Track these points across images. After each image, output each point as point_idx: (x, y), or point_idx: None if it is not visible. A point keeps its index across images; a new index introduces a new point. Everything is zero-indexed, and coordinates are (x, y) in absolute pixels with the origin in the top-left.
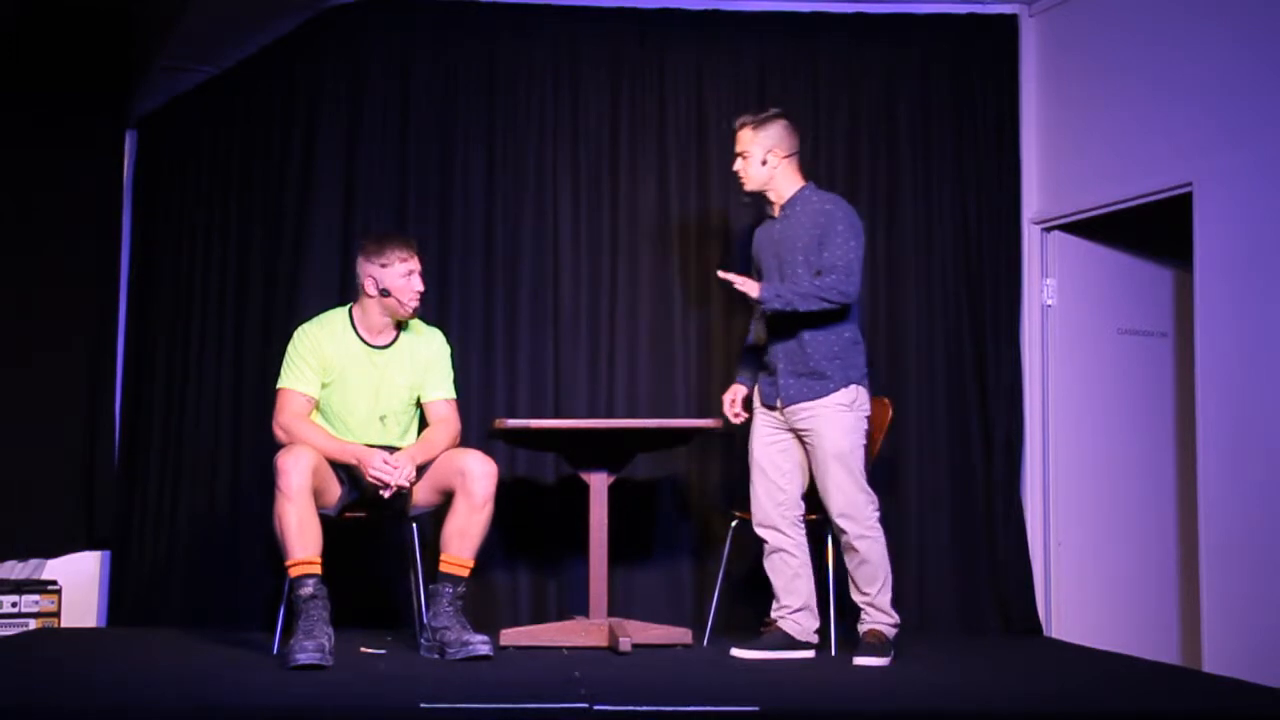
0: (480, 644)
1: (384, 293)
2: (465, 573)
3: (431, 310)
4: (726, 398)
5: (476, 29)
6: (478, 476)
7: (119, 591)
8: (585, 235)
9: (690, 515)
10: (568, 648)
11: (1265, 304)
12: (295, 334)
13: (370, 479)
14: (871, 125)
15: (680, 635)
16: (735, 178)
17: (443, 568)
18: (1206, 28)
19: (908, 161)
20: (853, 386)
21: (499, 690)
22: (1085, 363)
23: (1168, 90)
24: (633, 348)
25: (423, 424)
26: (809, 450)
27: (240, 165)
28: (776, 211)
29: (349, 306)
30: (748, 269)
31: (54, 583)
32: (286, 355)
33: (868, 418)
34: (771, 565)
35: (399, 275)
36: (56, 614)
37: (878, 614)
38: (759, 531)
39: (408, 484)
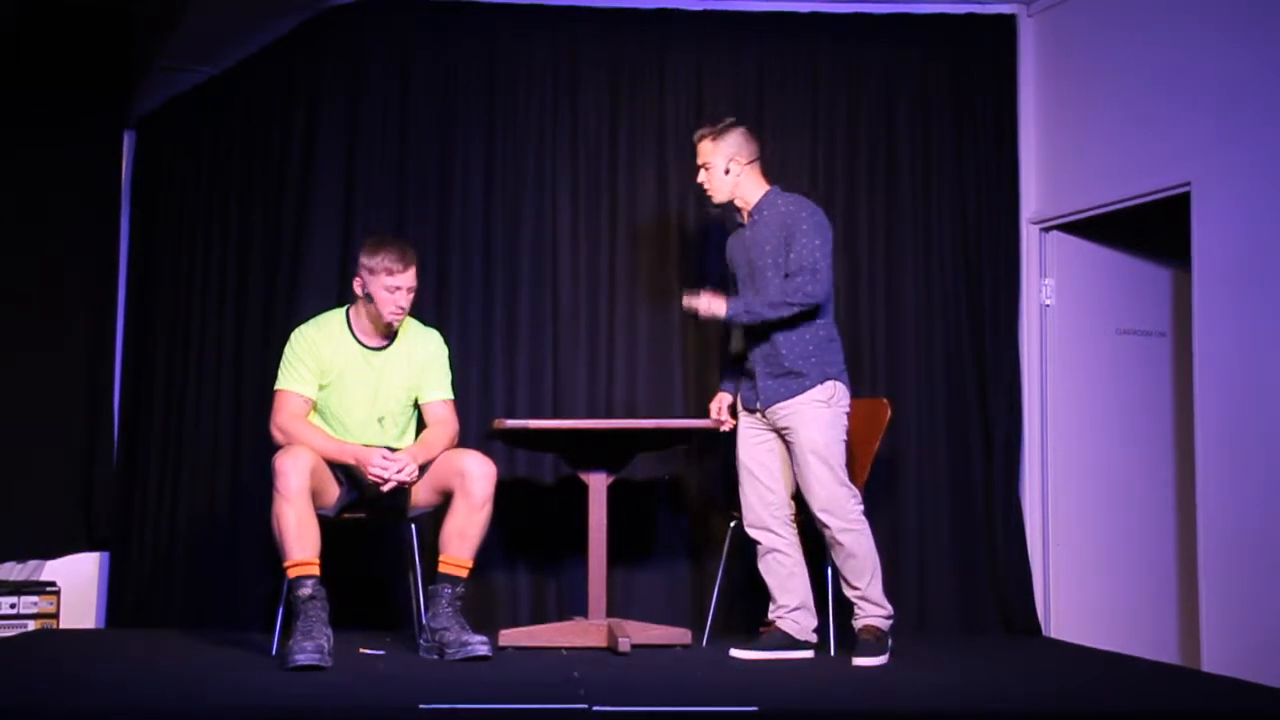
0: (479, 644)
1: (368, 297)
2: (464, 573)
3: (430, 310)
4: (712, 406)
5: (476, 29)
6: (477, 477)
7: (118, 593)
8: (584, 235)
9: (689, 515)
10: (567, 648)
11: (1264, 303)
12: (292, 335)
13: (370, 476)
14: (870, 125)
15: (679, 635)
16: (701, 190)
17: (442, 568)
18: (1205, 27)
19: (906, 161)
20: (830, 383)
21: (498, 691)
22: (1084, 362)
23: (1166, 90)
24: (632, 348)
25: (421, 425)
26: (792, 450)
27: (239, 165)
28: (745, 218)
29: (346, 308)
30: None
31: (53, 584)
32: (284, 357)
33: (847, 414)
34: (766, 566)
35: (382, 287)
36: (55, 615)
37: (870, 607)
38: (751, 533)
39: (409, 479)
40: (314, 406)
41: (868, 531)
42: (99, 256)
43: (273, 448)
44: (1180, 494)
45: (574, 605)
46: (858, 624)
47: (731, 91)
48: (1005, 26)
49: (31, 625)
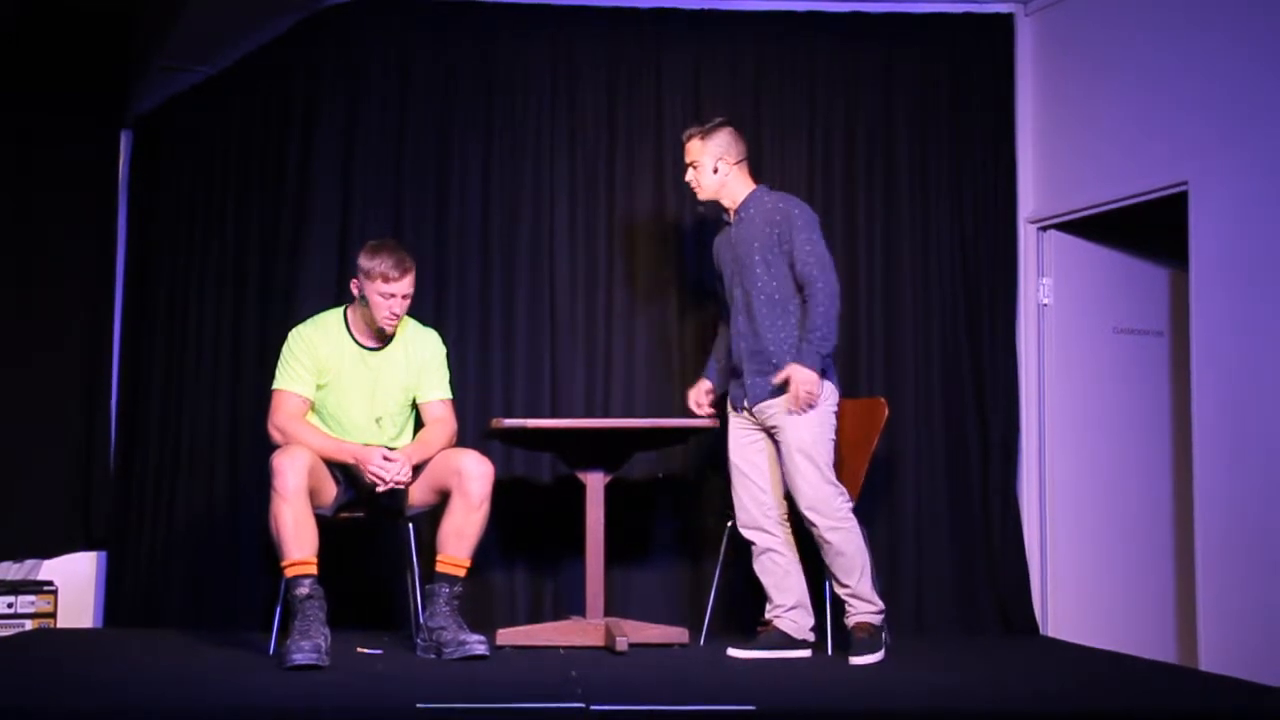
0: (477, 644)
1: (364, 300)
2: (462, 573)
3: (428, 310)
4: (691, 393)
5: (474, 28)
6: (474, 476)
7: (115, 592)
8: (582, 234)
9: (687, 515)
10: (564, 647)
11: (1261, 302)
12: (290, 335)
13: (369, 476)
14: (868, 124)
15: (677, 635)
16: (688, 188)
17: (439, 568)
18: (1203, 27)
19: (904, 160)
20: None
21: (495, 690)
22: (1082, 362)
23: (1164, 89)
24: (630, 347)
25: (419, 424)
26: (780, 449)
27: (237, 165)
28: (732, 217)
29: (344, 308)
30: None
31: (50, 583)
32: (281, 356)
33: (835, 413)
34: (761, 566)
35: (377, 292)
36: (53, 614)
37: (861, 604)
38: (745, 534)
39: (405, 481)
40: (312, 406)
41: (856, 529)
42: (96, 255)
43: (270, 447)
44: (1178, 493)
45: (571, 604)
46: (850, 621)
47: (729, 91)
48: (1003, 26)
49: (29, 625)
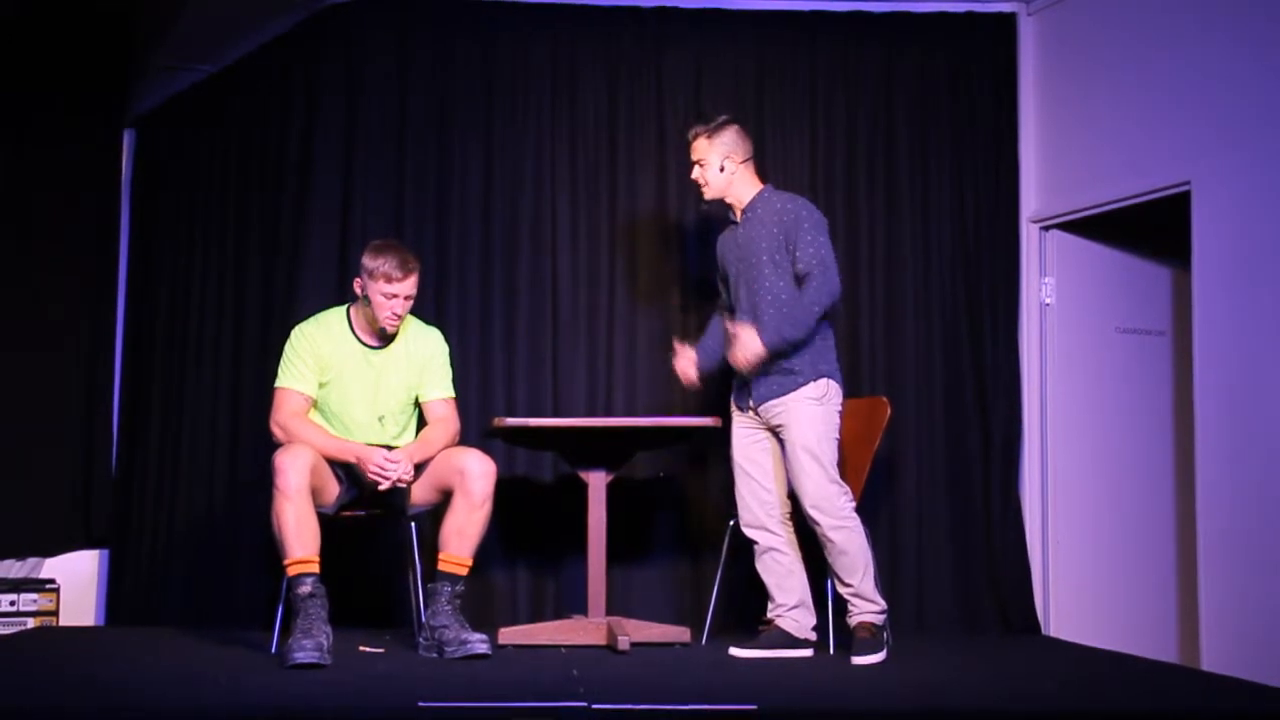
0: (478, 643)
1: (366, 299)
2: (464, 571)
3: (430, 308)
4: (678, 363)
5: (474, 27)
6: (476, 475)
7: (117, 590)
8: (583, 233)
9: (689, 514)
10: (566, 646)
11: (1263, 302)
12: (292, 333)
13: (370, 475)
14: (870, 124)
15: (679, 634)
16: (695, 186)
17: (441, 566)
18: (1205, 27)
19: (905, 160)
20: (823, 380)
21: (497, 689)
22: (1084, 361)
23: (1166, 89)
24: (631, 346)
25: (421, 423)
26: (785, 448)
27: (238, 163)
28: (738, 217)
29: (347, 306)
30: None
31: (52, 581)
32: (284, 354)
33: (840, 412)
34: (764, 565)
35: (380, 293)
36: (55, 613)
37: (864, 603)
38: (748, 533)
39: (406, 480)
40: (314, 404)
41: (859, 528)
42: (98, 254)
43: (272, 445)
44: (1179, 492)
45: (573, 603)
46: (852, 621)
47: (730, 90)
48: (1005, 25)
49: (30, 623)
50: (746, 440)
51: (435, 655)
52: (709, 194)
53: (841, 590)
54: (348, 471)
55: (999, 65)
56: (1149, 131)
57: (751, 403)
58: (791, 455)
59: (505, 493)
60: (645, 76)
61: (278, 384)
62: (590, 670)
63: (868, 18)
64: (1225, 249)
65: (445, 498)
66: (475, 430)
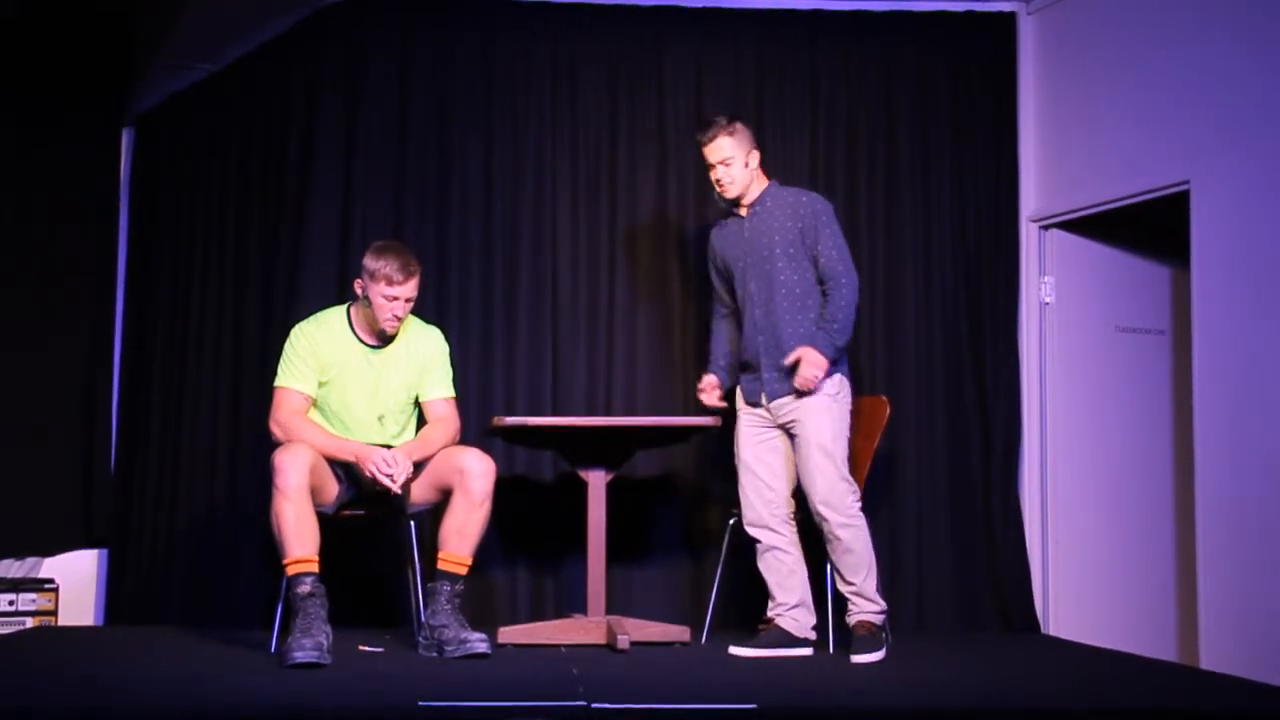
0: (478, 642)
1: (366, 299)
2: (463, 571)
3: (430, 307)
4: (703, 391)
5: (475, 26)
6: (476, 474)
7: (116, 590)
8: (584, 233)
9: (688, 513)
10: (566, 646)
11: (1262, 301)
12: (292, 332)
13: (369, 474)
14: (870, 123)
15: (678, 633)
16: (712, 188)
17: (441, 566)
18: (1204, 26)
19: (905, 159)
20: (837, 377)
21: (497, 688)
22: (1083, 360)
23: (1166, 88)
24: (631, 345)
25: (421, 422)
26: (797, 444)
27: (238, 162)
28: (744, 211)
29: (347, 305)
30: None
31: (51, 581)
32: (284, 353)
33: (851, 411)
34: (765, 564)
35: (380, 294)
36: (54, 612)
37: (865, 603)
38: (751, 532)
39: (404, 479)
40: (314, 403)
41: (865, 527)
42: (98, 253)
43: (272, 444)
44: (1179, 491)
45: (573, 603)
46: (851, 619)
47: (731, 88)
48: (1005, 24)
49: (30, 623)
50: (755, 438)
51: (435, 654)
52: (733, 192)
53: (843, 589)
54: (347, 471)
55: (999, 64)
56: (1148, 131)
57: (765, 398)
58: (805, 451)
59: (505, 492)
60: (645, 76)
61: (277, 383)
62: (590, 669)
63: (868, 17)
64: (1224, 248)
65: (445, 497)
66: (475, 429)
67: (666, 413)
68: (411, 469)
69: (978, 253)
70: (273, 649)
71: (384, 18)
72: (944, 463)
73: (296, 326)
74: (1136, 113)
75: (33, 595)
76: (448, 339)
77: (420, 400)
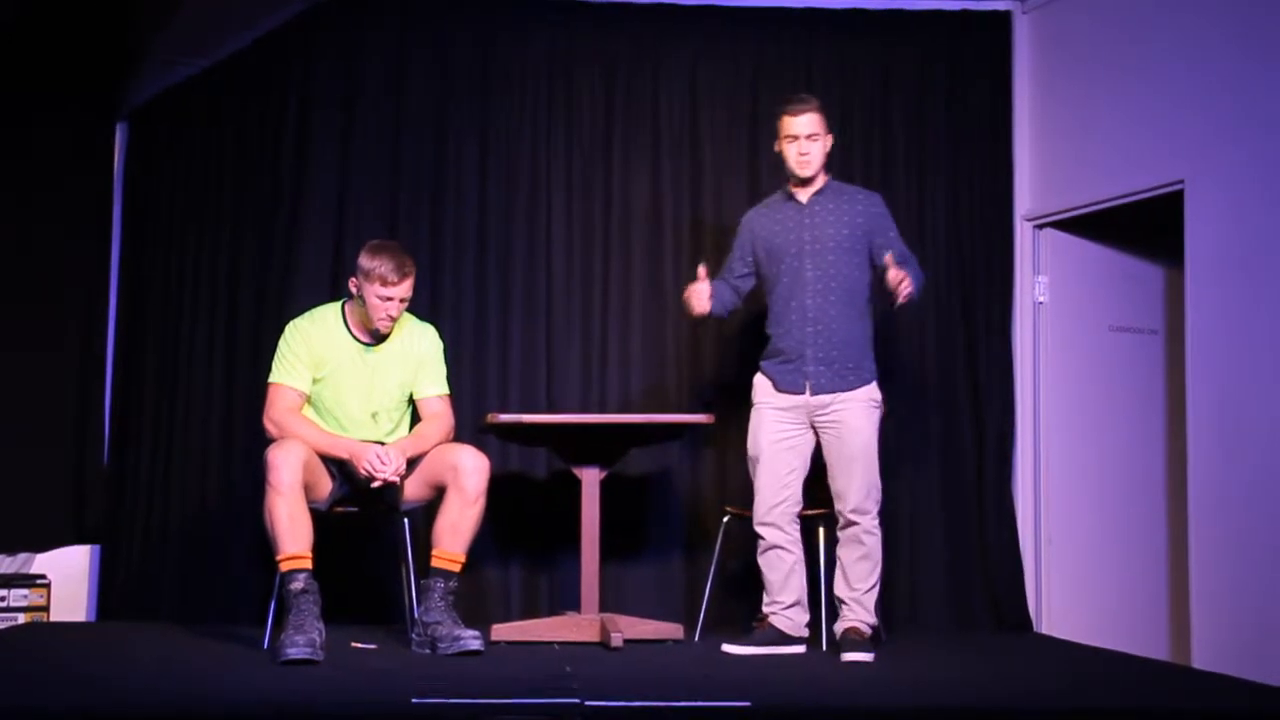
0: (471, 639)
1: (360, 298)
2: (457, 568)
3: (424, 305)
4: (698, 288)
5: (471, 24)
6: (470, 471)
7: (109, 586)
8: (578, 230)
9: (682, 510)
10: (559, 643)
11: (1255, 301)
12: (287, 329)
13: (363, 472)
14: (865, 121)
15: (672, 631)
16: (777, 162)
17: (434, 563)
18: (1199, 26)
19: (900, 157)
20: (874, 382)
21: (490, 685)
22: (1077, 359)
23: (1160, 88)
24: (625, 343)
25: (415, 419)
26: (832, 441)
27: (232, 158)
28: (804, 198)
29: (342, 302)
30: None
31: (43, 577)
32: (278, 350)
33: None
34: (767, 561)
35: (374, 294)
36: (46, 608)
37: (861, 612)
38: (758, 528)
39: (397, 478)
40: (308, 400)
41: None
42: (91, 248)
43: (266, 441)
44: (1171, 491)
45: (566, 600)
46: (842, 625)
47: (727, 86)
48: (1000, 23)
49: (21, 618)
50: (777, 435)
51: (428, 651)
52: (811, 169)
53: (844, 593)
54: (341, 467)
55: (994, 63)
56: (1143, 130)
57: (808, 388)
58: (848, 455)
59: (499, 489)
60: (642, 73)
61: (271, 379)
62: (583, 667)
63: (864, 15)
64: (1218, 248)
65: (439, 494)
66: (469, 426)
67: (661, 410)
68: (405, 466)
69: (972, 251)
70: (265, 645)
71: (380, 14)
72: (937, 461)
73: (291, 323)
74: (1131, 112)
75: (25, 591)
76: (442, 336)
77: (415, 397)
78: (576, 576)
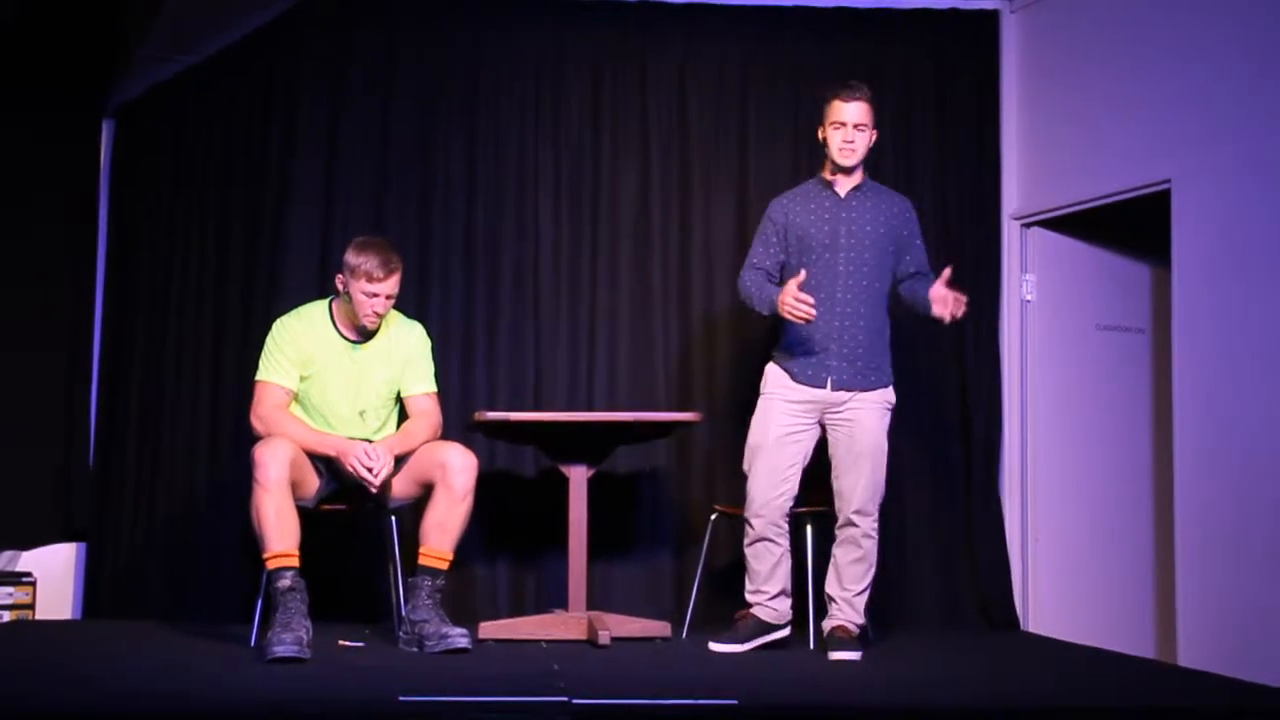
0: (459, 637)
1: (347, 295)
2: (444, 566)
3: (411, 302)
4: (799, 297)
5: (459, 22)
6: (458, 469)
7: (95, 583)
8: (566, 229)
9: (670, 509)
10: (547, 641)
11: (1242, 300)
12: (274, 326)
13: (350, 468)
14: None
15: (659, 628)
16: (819, 149)
17: (422, 560)
18: (1187, 24)
19: (888, 157)
20: (891, 386)
21: (478, 683)
22: (1064, 358)
23: (1147, 87)
24: (612, 341)
25: (403, 417)
26: (842, 440)
27: (219, 155)
28: (843, 191)
29: (329, 300)
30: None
31: (29, 574)
32: (265, 347)
33: None
34: (754, 552)
35: (361, 291)
36: (31, 606)
37: (851, 612)
38: (750, 518)
39: (385, 474)
40: (295, 398)
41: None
42: (78, 245)
43: (252, 438)
44: (1158, 490)
45: (554, 598)
46: (830, 624)
47: (714, 86)
48: (988, 22)
49: (7, 616)
50: (784, 431)
51: (415, 649)
52: (854, 159)
53: (836, 592)
54: (328, 465)
55: (981, 62)
56: (1130, 129)
57: (830, 383)
58: (859, 455)
59: (486, 487)
60: (630, 72)
61: (258, 377)
62: (571, 665)
63: (851, 14)
64: (1205, 247)
65: (426, 491)
66: (456, 424)
67: (648, 408)
68: (393, 463)
69: (960, 250)
70: (252, 643)
71: (369, 12)
72: (925, 460)
73: (278, 320)
74: (1118, 111)
75: (10, 589)
76: (429, 334)
77: (402, 395)
78: (564, 574)
